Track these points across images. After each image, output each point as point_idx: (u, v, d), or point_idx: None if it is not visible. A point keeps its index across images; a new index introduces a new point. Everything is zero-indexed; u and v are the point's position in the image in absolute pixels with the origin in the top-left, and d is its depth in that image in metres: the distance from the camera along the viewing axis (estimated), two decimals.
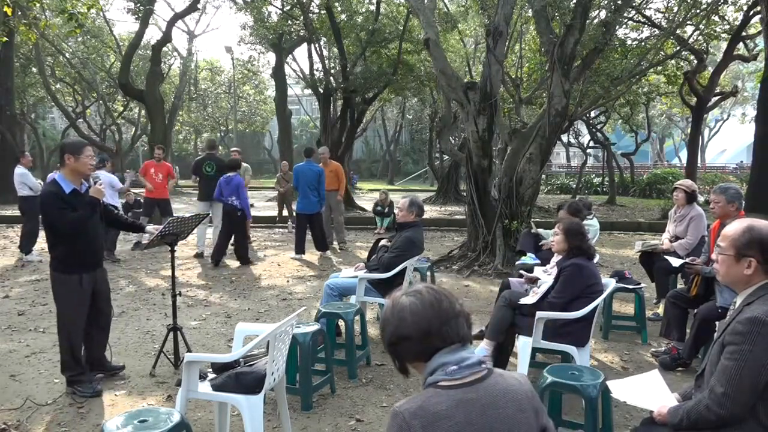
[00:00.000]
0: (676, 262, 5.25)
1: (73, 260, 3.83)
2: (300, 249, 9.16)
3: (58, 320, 3.94)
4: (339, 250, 9.95)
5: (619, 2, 9.66)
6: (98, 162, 8.68)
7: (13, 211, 9.68)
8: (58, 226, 3.73)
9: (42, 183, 9.66)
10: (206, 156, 9.24)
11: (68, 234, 3.76)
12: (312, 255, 9.38)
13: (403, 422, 1.37)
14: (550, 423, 1.55)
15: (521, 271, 4.98)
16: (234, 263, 8.81)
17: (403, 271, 4.84)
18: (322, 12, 15.86)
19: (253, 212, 10.02)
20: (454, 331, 1.46)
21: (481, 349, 3.91)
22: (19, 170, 8.76)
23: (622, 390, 2.50)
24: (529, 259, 5.56)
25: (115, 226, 4.32)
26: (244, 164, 10.31)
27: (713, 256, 2.29)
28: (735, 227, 2.18)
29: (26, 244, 8.97)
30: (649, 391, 2.45)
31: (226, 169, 8.94)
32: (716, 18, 13.66)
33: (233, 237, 8.67)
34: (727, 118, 39.74)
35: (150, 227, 4.33)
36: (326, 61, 18.43)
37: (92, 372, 4.07)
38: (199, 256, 9.17)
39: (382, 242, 5.43)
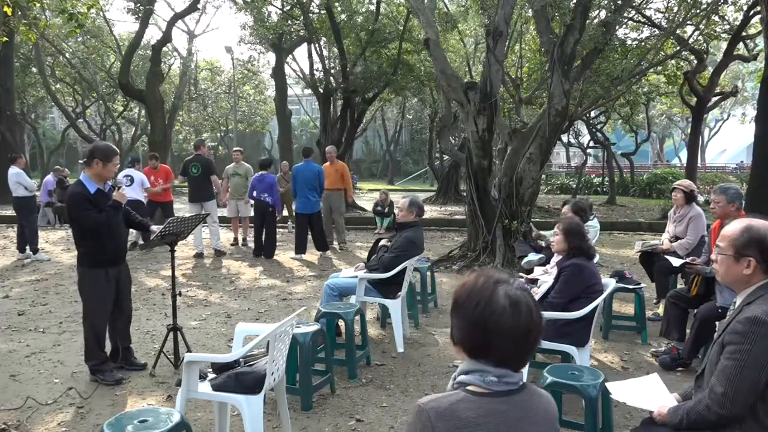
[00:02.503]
0: (676, 262, 5.26)
1: (98, 256, 4.05)
2: (300, 249, 9.17)
3: (84, 312, 4.14)
4: (339, 250, 9.95)
5: (619, 2, 9.67)
6: (129, 162, 9.50)
7: (13, 212, 9.68)
8: (83, 224, 3.98)
9: (37, 183, 9.82)
10: (193, 157, 9.29)
11: (93, 231, 3.99)
12: (312, 255, 9.38)
13: (428, 421, 1.32)
14: None
15: (520, 274, 4.98)
16: (234, 263, 8.82)
17: (403, 271, 4.84)
18: (322, 12, 15.86)
19: (252, 212, 10.11)
20: (514, 360, 1.39)
21: None
22: (14, 170, 8.81)
23: (622, 392, 2.50)
24: (533, 256, 5.55)
25: (125, 223, 4.42)
26: (246, 165, 10.34)
27: (713, 257, 2.29)
28: (733, 227, 2.18)
29: (29, 243, 8.99)
30: (648, 392, 2.45)
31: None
32: (716, 18, 13.66)
33: (264, 231, 9.24)
34: (727, 118, 39.73)
35: (154, 227, 4.36)
36: (326, 61, 18.42)
37: (116, 364, 4.26)
38: (199, 256, 9.18)
39: (382, 242, 5.43)
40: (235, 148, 10.61)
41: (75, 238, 4.09)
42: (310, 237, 9.31)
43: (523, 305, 1.35)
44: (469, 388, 1.37)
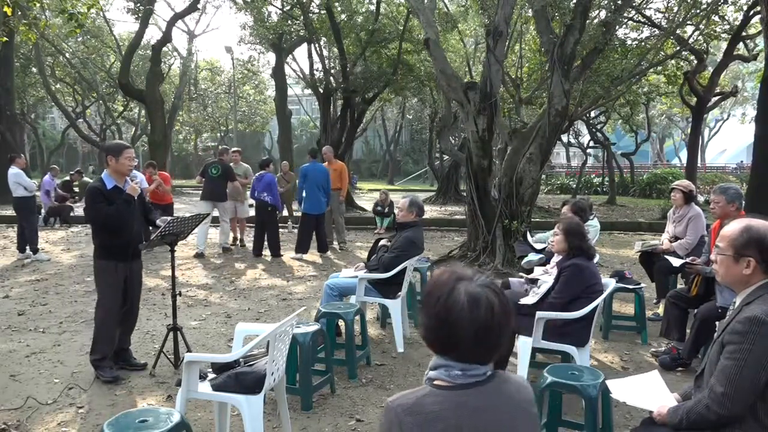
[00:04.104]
0: (676, 262, 5.26)
1: (109, 248, 4.14)
2: (303, 248, 9.20)
3: (97, 304, 4.24)
4: (339, 250, 9.95)
5: (619, 2, 9.67)
6: None
7: (13, 212, 9.69)
8: (94, 218, 4.10)
9: (36, 183, 9.87)
10: (215, 160, 9.64)
11: (105, 225, 4.10)
12: (312, 255, 9.38)
13: (395, 418, 1.35)
14: None
15: (521, 273, 4.98)
16: (234, 263, 8.82)
17: (403, 271, 4.84)
18: (322, 12, 15.85)
19: (252, 212, 10.16)
20: (477, 356, 1.39)
21: None
22: (13, 170, 8.81)
23: (622, 390, 2.50)
24: (533, 255, 5.55)
25: (146, 220, 4.49)
26: (244, 165, 10.41)
27: (712, 257, 2.29)
28: (733, 227, 2.18)
29: (29, 243, 8.99)
30: (648, 392, 2.45)
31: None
32: (716, 18, 13.66)
33: (266, 230, 9.34)
34: (727, 118, 39.74)
35: (160, 220, 4.40)
36: (326, 61, 18.42)
37: (116, 365, 4.29)
38: (199, 256, 9.19)
39: (382, 242, 5.43)
40: (233, 149, 10.67)
41: (92, 231, 4.23)
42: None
43: (483, 302, 1.36)
44: (435, 382, 1.40)
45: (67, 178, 16.07)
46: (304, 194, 9.18)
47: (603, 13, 10.89)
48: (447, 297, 1.37)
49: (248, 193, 10.36)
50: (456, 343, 1.37)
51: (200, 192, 9.93)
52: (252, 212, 9.86)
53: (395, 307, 4.81)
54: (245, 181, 10.13)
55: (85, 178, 16.57)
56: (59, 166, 19.96)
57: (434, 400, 1.36)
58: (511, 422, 1.40)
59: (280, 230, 12.62)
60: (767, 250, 2.10)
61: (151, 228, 4.47)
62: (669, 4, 13.62)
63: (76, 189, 15.42)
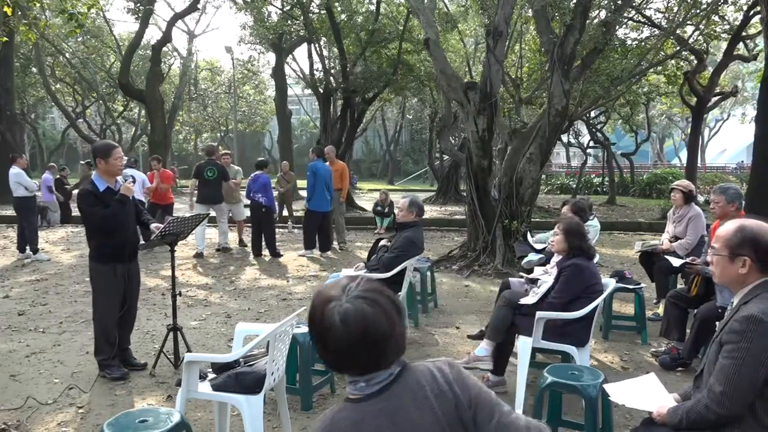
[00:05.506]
0: (676, 262, 5.26)
1: (108, 252, 4.12)
2: (310, 246, 9.24)
3: (94, 307, 4.23)
4: (339, 250, 9.95)
5: (619, 2, 9.67)
6: (131, 162, 9.75)
7: (13, 212, 9.70)
8: (91, 221, 4.07)
9: (37, 183, 9.88)
10: (208, 161, 9.38)
11: (101, 228, 4.06)
12: (312, 254, 9.39)
13: None
14: (484, 400, 1.41)
15: (521, 273, 4.97)
16: (234, 263, 8.82)
17: (403, 270, 4.84)
18: (322, 12, 15.86)
19: (247, 212, 10.15)
20: (372, 366, 1.38)
21: (481, 349, 3.91)
22: (14, 170, 8.83)
23: (620, 393, 2.49)
24: (533, 255, 5.55)
25: (137, 221, 4.49)
26: (235, 167, 10.41)
27: (708, 258, 2.29)
28: (727, 228, 2.19)
29: (29, 243, 8.99)
30: (647, 394, 2.45)
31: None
32: (716, 18, 13.66)
33: (263, 230, 9.32)
34: (727, 118, 39.74)
35: (153, 225, 4.37)
36: (326, 61, 18.43)
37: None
38: (199, 256, 9.19)
39: (382, 242, 5.43)
40: (223, 151, 10.51)
41: (86, 233, 4.22)
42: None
43: (352, 317, 1.33)
44: (349, 397, 1.42)
45: (58, 176, 15.99)
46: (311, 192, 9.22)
47: (603, 13, 10.89)
48: (320, 322, 1.36)
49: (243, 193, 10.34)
50: (343, 363, 1.39)
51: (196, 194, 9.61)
52: (247, 212, 9.85)
53: None
54: (237, 180, 10.11)
55: (92, 171, 16.54)
56: (59, 166, 19.95)
57: (346, 415, 1.38)
58: (429, 414, 1.36)
59: (281, 230, 12.67)
60: (762, 249, 2.10)
61: (150, 229, 4.44)
62: (669, 4, 13.63)
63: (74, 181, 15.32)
